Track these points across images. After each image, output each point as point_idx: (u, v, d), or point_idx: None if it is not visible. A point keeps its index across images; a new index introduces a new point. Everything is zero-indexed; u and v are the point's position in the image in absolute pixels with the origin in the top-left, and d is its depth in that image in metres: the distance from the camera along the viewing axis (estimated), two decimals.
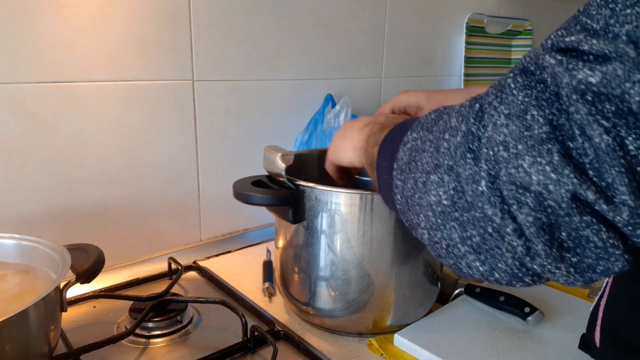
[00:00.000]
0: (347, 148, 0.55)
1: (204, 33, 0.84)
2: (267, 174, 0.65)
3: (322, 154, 0.82)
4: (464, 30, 1.29)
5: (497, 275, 0.34)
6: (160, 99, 0.82)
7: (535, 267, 0.31)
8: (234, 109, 0.92)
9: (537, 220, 0.29)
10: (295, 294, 0.68)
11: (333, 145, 0.60)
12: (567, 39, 0.27)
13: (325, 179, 0.73)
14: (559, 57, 0.27)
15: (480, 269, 0.34)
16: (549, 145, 0.27)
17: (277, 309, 0.74)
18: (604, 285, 0.50)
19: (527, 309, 0.68)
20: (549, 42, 0.29)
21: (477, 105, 0.33)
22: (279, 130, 0.99)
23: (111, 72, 0.76)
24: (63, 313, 0.56)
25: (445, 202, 0.34)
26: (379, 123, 0.49)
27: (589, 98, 0.26)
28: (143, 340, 0.65)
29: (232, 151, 0.93)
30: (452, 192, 0.33)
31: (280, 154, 0.61)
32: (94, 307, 0.73)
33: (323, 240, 0.62)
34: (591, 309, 0.52)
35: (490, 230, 0.32)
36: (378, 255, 0.62)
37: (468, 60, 1.31)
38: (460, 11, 1.29)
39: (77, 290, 0.73)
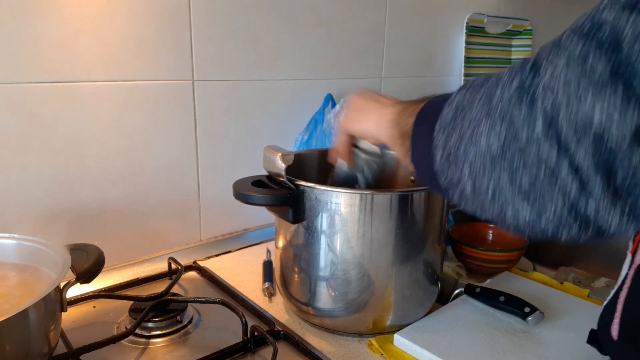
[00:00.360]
0: (370, 120, 0.56)
1: (204, 33, 0.84)
2: (267, 174, 0.65)
3: (322, 154, 0.82)
4: (464, 30, 1.29)
5: (543, 223, 0.34)
6: (160, 99, 0.82)
7: (588, 209, 0.31)
8: (234, 109, 0.92)
9: (595, 160, 0.29)
10: (295, 294, 0.68)
11: (349, 116, 0.60)
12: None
13: (326, 179, 0.73)
14: (619, 12, 0.29)
15: (527, 217, 0.34)
16: (612, 85, 0.28)
17: (277, 309, 0.74)
18: (622, 278, 0.50)
19: (527, 309, 0.68)
20: (604, 2, 0.30)
21: (530, 61, 0.34)
22: (279, 130, 0.99)
23: (111, 72, 0.76)
24: (63, 313, 0.56)
25: (496, 148, 0.34)
26: (412, 101, 0.50)
27: None
28: (143, 340, 0.65)
29: (232, 151, 0.93)
30: (503, 138, 0.34)
31: (280, 154, 0.61)
32: (94, 307, 0.73)
33: (323, 240, 0.62)
34: (605, 303, 0.51)
35: (543, 173, 0.32)
36: (378, 255, 0.62)
37: (468, 60, 1.31)
38: (460, 11, 1.29)
39: (77, 290, 0.73)
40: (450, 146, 0.39)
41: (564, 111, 0.30)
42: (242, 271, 0.86)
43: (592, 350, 0.63)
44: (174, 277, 0.79)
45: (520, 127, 0.33)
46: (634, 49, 0.28)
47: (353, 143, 0.65)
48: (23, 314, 0.47)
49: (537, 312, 0.67)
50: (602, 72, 0.29)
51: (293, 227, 0.64)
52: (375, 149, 0.68)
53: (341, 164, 0.67)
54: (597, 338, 0.53)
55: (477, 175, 0.36)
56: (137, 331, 0.65)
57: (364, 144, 0.66)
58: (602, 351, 0.52)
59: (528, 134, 0.32)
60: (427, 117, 0.44)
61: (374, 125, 0.55)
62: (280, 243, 0.69)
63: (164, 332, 0.66)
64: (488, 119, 0.35)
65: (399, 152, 0.49)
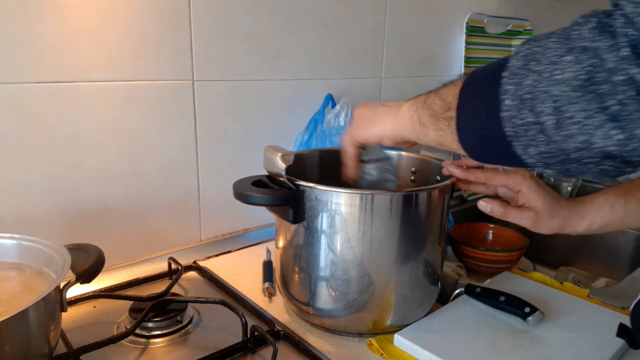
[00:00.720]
0: (385, 122, 0.57)
1: (204, 33, 0.84)
2: (267, 174, 0.65)
3: (323, 154, 0.82)
4: (464, 30, 1.29)
5: (634, 144, 0.35)
6: (160, 99, 0.82)
7: None
8: (234, 109, 0.92)
9: None
10: (295, 294, 0.68)
11: (357, 125, 0.62)
12: None
13: (326, 179, 0.73)
14: None
15: (618, 137, 0.35)
16: None
17: (277, 309, 0.74)
18: None
19: (527, 309, 0.68)
20: None
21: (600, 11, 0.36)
22: (279, 130, 0.99)
23: (111, 72, 0.76)
24: (63, 313, 0.56)
25: (583, 78, 0.36)
26: (431, 93, 0.52)
27: None
28: (143, 340, 0.65)
29: (232, 151, 0.93)
30: (589, 67, 0.35)
31: (280, 154, 0.61)
32: (94, 307, 0.73)
33: (323, 240, 0.62)
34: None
35: (633, 93, 0.34)
36: (378, 255, 0.62)
37: (468, 60, 1.31)
38: (460, 11, 1.29)
39: (77, 290, 0.73)
40: (525, 88, 0.39)
41: None
42: (242, 271, 0.86)
43: (592, 351, 0.63)
44: (174, 277, 0.79)
45: (606, 52, 0.34)
46: None
47: (360, 159, 0.66)
48: (23, 314, 0.47)
49: (538, 312, 0.67)
50: None
51: (293, 227, 0.64)
52: (384, 153, 0.68)
53: (360, 179, 0.69)
54: (627, 331, 0.52)
55: (562, 108, 0.37)
56: (137, 331, 0.65)
57: (371, 154, 0.67)
58: (634, 345, 0.52)
59: (615, 56, 0.34)
60: (476, 80, 0.45)
61: (391, 125, 0.57)
62: (281, 243, 0.69)
63: (164, 332, 0.66)
64: (569, 54, 0.36)
65: (430, 135, 0.50)
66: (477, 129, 0.44)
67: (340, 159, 0.67)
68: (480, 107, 0.43)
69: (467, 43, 1.30)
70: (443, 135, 0.49)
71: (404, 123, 0.55)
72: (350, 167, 0.66)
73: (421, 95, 0.53)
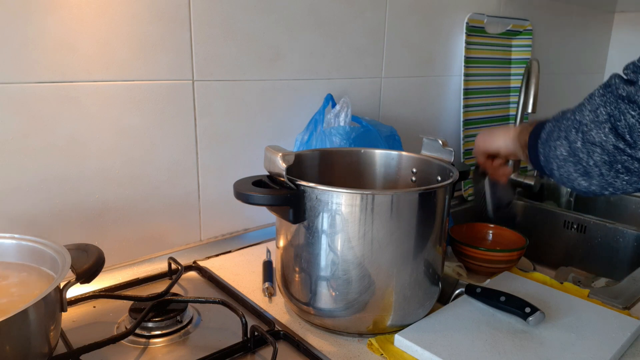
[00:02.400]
0: (500, 138, 0.78)
1: (204, 33, 0.84)
2: (267, 174, 0.65)
3: (323, 154, 0.82)
4: (464, 30, 1.29)
5: (593, 188, 0.59)
6: (160, 99, 0.82)
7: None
8: (234, 109, 0.92)
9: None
10: (296, 293, 0.68)
11: (482, 138, 0.82)
12: None
13: (326, 179, 0.73)
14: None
15: (583, 185, 0.60)
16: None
17: (277, 309, 0.74)
18: None
19: (527, 309, 0.68)
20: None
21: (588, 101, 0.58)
22: (279, 130, 0.99)
23: (111, 72, 0.76)
24: (63, 313, 0.56)
25: (566, 152, 0.59)
26: (526, 124, 0.73)
27: None
28: (143, 340, 0.65)
29: (232, 151, 0.93)
30: (576, 143, 0.57)
31: (281, 154, 0.61)
32: (94, 307, 0.73)
33: (324, 240, 0.62)
34: None
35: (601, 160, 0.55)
36: (379, 255, 0.62)
37: (468, 60, 1.31)
38: (460, 11, 1.29)
39: (77, 290, 0.73)
40: (544, 153, 0.63)
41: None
42: (242, 271, 0.86)
43: (593, 351, 0.63)
44: (174, 277, 0.79)
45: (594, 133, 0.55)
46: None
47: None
48: (23, 314, 0.47)
49: (538, 312, 0.67)
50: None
51: (294, 227, 0.64)
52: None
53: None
54: None
55: (559, 166, 0.61)
56: (137, 331, 0.65)
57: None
58: None
59: (599, 136, 0.54)
60: (535, 135, 0.66)
61: (504, 140, 0.76)
62: (281, 243, 0.69)
63: (164, 332, 0.66)
64: (562, 136, 0.60)
65: (521, 156, 0.73)
66: (536, 166, 0.67)
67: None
68: (534, 158, 0.67)
69: (467, 43, 1.30)
70: (526, 161, 0.71)
71: (510, 141, 0.75)
72: (492, 171, 0.85)
73: (521, 126, 0.74)
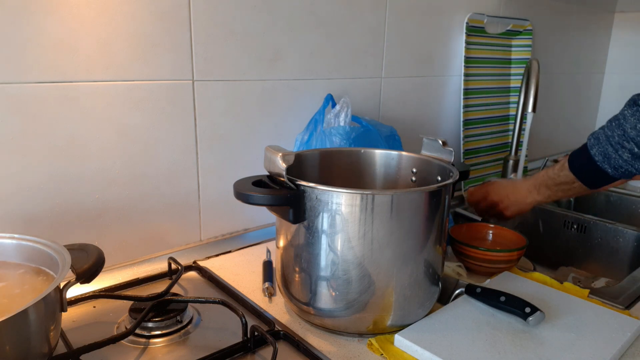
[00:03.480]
0: (523, 197, 0.93)
1: (204, 33, 0.84)
2: (267, 174, 0.65)
3: (323, 154, 0.82)
4: (464, 30, 1.29)
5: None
6: (160, 99, 0.82)
7: None
8: (234, 109, 0.92)
9: None
10: (296, 293, 0.68)
11: (509, 210, 0.98)
12: None
13: (326, 179, 0.73)
14: None
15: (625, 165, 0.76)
16: None
17: (277, 309, 0.74)
18: None
19: (527, 309, 0.68)
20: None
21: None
22: (279, 130, 0.99)
23: (111, 72, 0.76)
24: (63, 313, 0.55)
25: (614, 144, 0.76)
26: (543, 174, 0.92)
27: None
28: (143, 340, 0.65)
29: (232, 151, 0.93)
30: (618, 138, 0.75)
31: (281, 154, 0.61)
32: (94, 307, 0.73)
33: (324, 240, 0.62)
34: None
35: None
36: (379, 255, 0.62)
37: (468, 60, 1.31)
38: (460, 11, 1.29)
39: (77, 290, 0.73)
40: (599, 152, 0.78)
41: None
42: (242, 271, 0.86)
43: (593, 351, 0.63)
44: (174, 277, 0.79)
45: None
46: None
47: None
48: (23, 314, 0.47)
49: (538, 312, 0.67)
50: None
51: (294, 227, 0.64)
52: None
53: None
54: None
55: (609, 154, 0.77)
56: (137, 331, 0.65)
57: None
58: None
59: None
60: (579, 156, 0.82)
61: (528, 196, 0.93)
62: (281, 243, 0.69)
63: (164, 332, 0.66)
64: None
65: (564, 188, 0.87)
66: (584, 174, 0.83)
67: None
68: (584, 165, 0.82)
69: (467, 43, 1.30)
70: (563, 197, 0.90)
71: (534, 191, 0.91)
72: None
73: (541, 174, 0.90)
